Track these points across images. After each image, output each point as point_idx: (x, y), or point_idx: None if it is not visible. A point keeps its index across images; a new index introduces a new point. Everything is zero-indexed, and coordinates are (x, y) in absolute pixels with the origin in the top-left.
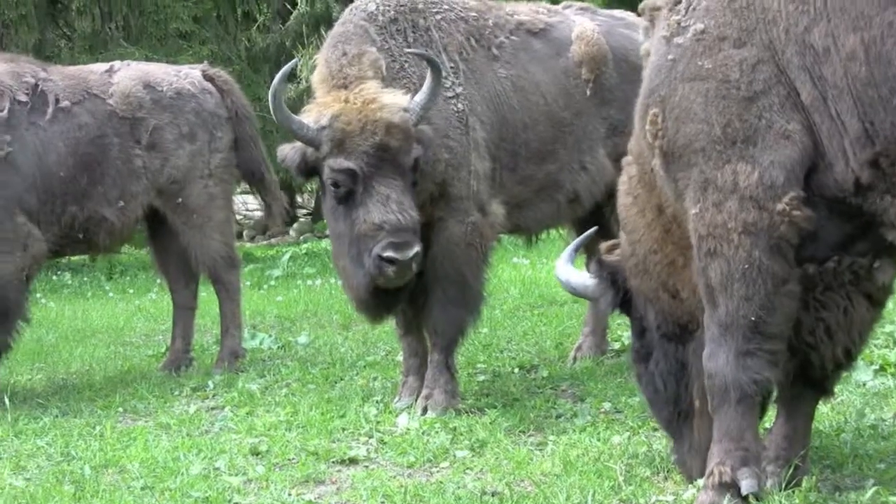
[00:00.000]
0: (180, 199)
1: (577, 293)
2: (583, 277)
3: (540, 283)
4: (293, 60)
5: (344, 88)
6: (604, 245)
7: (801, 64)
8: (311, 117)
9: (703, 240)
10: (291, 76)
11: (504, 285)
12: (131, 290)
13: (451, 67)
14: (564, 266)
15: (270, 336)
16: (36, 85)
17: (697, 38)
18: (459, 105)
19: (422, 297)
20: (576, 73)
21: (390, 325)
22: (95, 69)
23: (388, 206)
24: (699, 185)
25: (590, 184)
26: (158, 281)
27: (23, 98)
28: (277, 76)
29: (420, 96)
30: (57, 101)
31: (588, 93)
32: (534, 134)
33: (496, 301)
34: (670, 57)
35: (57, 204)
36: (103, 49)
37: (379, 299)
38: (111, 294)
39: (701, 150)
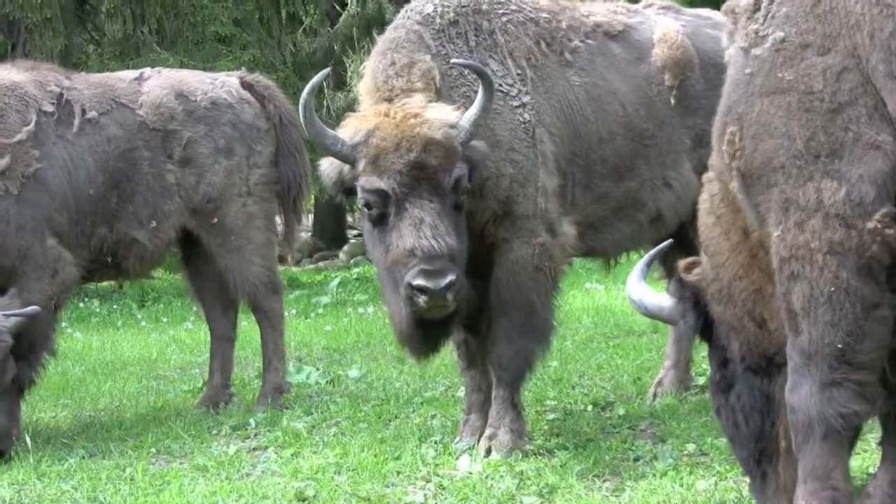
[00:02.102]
0: (216, 220)
1: (651, 314)
2: (659, 297)
3: (616, 311)
4: (324, 70)
5: (388, 102)
6: (682, 262)
7: (887, 71)
8: (347, 132)
9: (784, 262)
10: (340, 84)
11: (576, 313)
12: (165, 319)
13: (518, 74)
14: (637, 284)
15: (318, 369)
16: (61, 94)
17: (777, 47)
18: (526, 115)
19: (485, 327)
20: (658, 79)
21: (450, 358)
22: (123, 77)
23: (421, 231)
24: (780, 205)
25: (674, 201)
26: (195, 309)
27: (49, 109)
28: (308, 86)
29: (470, 111)
30: (83, 111)
31: (672, 101)
32: (611, 148)
33: (567, 331)
34: (748, 70)
35: (86, 225)
36: (135, 55)
37: (422, 333)
38: (143, 323)
39: (781, 167)
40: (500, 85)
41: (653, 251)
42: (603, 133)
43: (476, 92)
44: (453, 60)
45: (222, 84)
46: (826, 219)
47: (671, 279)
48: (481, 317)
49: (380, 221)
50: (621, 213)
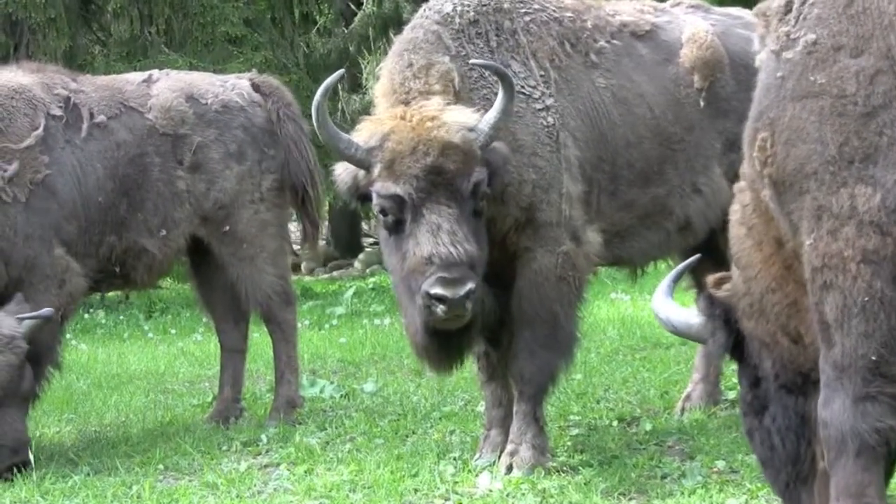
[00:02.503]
0: (228, 227)
1: (678, 332)
2: (687, 314)
3: (642, 322)
4: (338, 72)
5: (405, 104)
6: (711, 277)
7: None
8: (362, 136)
9: (817, 272)
10: (356, 86)
11: (601, 325)
12: (173, 331)
13: (542, 76)
14: (663, 300)
15: (332, 383)
16: (68, 98)
17: (809, 50)
18: (549, 119)
19: (507, 339)
20: (687, 80)
21: (470, 371)
22: (131, 79)
23: (439, 237)
24: (813, 213)
25: (704, 208)
26: (204, 320)
27: (57, 112)
28: (322, 87)
29: (490, 114)
30: (91, 115)
31: (702, 103)
32: (638, 152)
33: (592, 343)
34: (779, 74)
35: (95, 233)
36: (142, 56)
37: (439, 345)
38: (150, 335)
39: (813, 173)
40: (523, 87)
41: (680, 266)
42: (630, 137)
43: (496, 94)
44: (472, 61)
45: (233, 86)
46: (860, 226)
47: (699, 294)
48: (502, 328)
49: (396, 228)
50: (649, 221)
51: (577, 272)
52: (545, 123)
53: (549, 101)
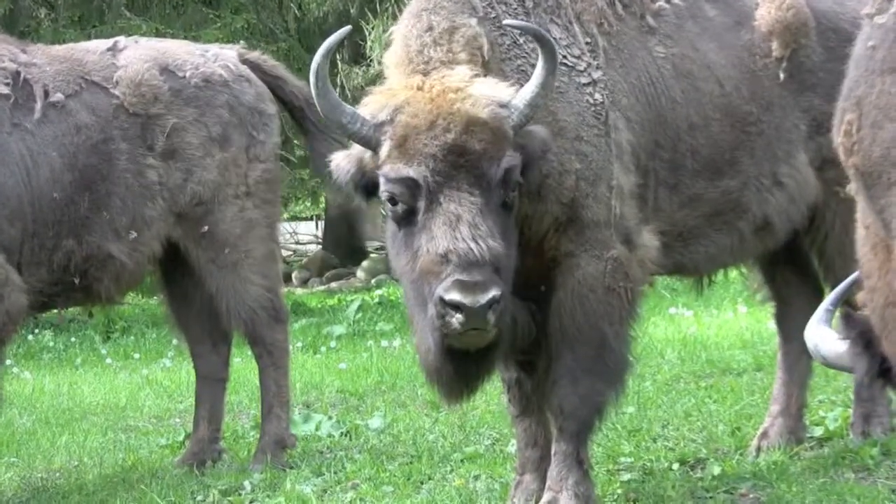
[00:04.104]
0: (207, 227)
1: (830, 364)
2: (835, 342)
3: (708, 343)
4: (344, 29)
5: (424, 76)
6: (860, 295)
7: None
8: (370, 109)
9: None
10: (358, 57)
11: (658, 347)
12: (136, 355)
13: (588, 44)
14: (818, 328)
15: (330, 418)
16: (17, 72)
17: None
18: (597, 96)
19: (543, 364)
20: (764, 48)
21: (498, 403)
22: (93, 48)
23: (458, 231)
24: None
25: (786, 204)
26: (175, 341)
27: (3, 91)
28: (322, 47)
29: (527, 88)
30: (46, 93)
31: (782, 75)
32: (705, 137)
33: (647, 369)
34: (871, 43)
35: (48, 237)
36: (98, 21)
37: (455, 369)
38: (109, 360)
39: None
40: (565, 57)
41: (842, 286)
42: (694, 118)
43: (534, 65)
44: (507, 22)
45: (216, 57)
46: None
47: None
48: (538, 351)
49: (406, 220)
50: (718, 221)
51: (630, 282)
52: (592, 101)
53: (597, 75)
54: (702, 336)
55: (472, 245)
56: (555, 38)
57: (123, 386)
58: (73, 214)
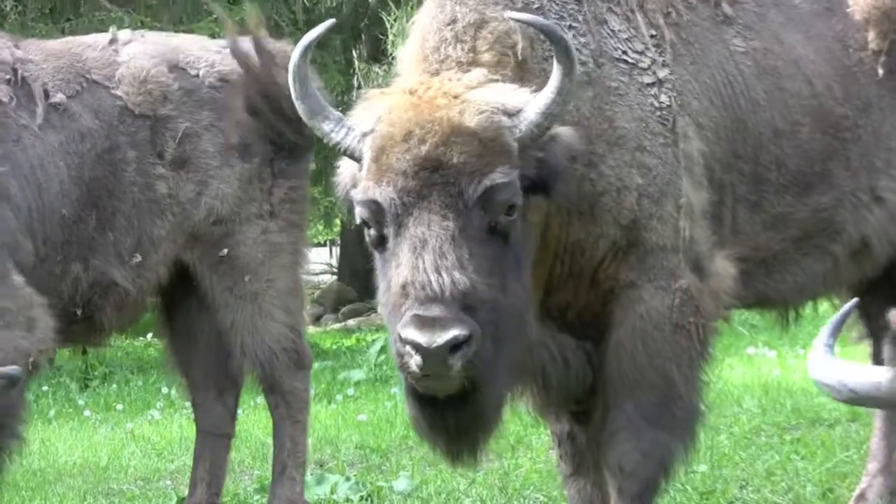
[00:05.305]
0: (226, 251)
1: (859, 400)
2: (872, 372)
3: (794, 389)
4: (327, 22)
5: (432, 77)
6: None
7: None
8: (357, 116)
9: None
10: (379, 53)
11: (735, 393)
12: (120, 406)
13: (652, 37)
14: (823, 357)
15: (349, 479)
16: (15, 69)
17: None
18: (663, 98)
19: (600, 414)
20: (859, 40)
21: (546, 460)
22: (92, 42)
23: (421, 259)
24: None
25: (886, 223)
26: (165, 390)
27: (3, 91)
28: (301, 43)
29: (541, 96)
30: (46, 94)
31: (880, 71)
32: (792, 146)
33: (722, 420)
34: None
35: (56, 260)
36: (72, 14)
37: (429, 418)
38: (87, 412)
39: None
40: (625, 53)
41: (842, 312)
42: (780, 123)
43: (585, 63)
44: (508, 14)
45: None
46: None
47: (884, 340)
48: (594, 398)
49: (381, 246)
50: (808, 244)
51: (702, 318)
52: (656, 105)
53: (663, 73)
54: (786, 381)
55: (433, 276)
56: (613, 31)
57: (104, 442)
58: (82, 234)
